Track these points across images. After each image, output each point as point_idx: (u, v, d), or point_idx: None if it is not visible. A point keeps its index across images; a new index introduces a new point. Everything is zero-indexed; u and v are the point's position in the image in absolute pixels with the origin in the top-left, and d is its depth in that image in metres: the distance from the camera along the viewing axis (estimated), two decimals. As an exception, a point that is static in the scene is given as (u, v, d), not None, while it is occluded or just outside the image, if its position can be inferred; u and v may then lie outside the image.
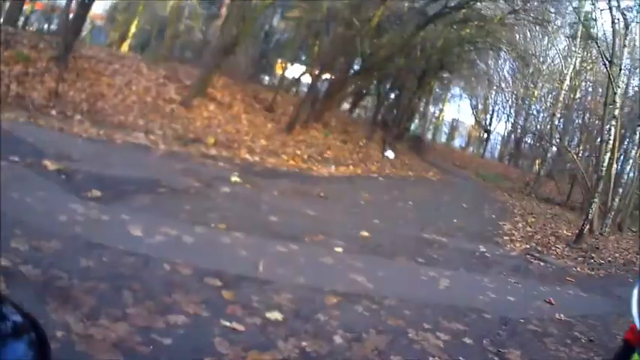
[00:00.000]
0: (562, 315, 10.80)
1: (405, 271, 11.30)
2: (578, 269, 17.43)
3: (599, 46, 23.83)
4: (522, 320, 9.81)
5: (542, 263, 16.56)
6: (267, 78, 37.28)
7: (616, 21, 23.54)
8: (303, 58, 36.24)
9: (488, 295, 10.88)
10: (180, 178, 13.59)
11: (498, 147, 45.91)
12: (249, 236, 10.10)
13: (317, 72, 30.07)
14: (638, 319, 3.56)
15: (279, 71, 36.34)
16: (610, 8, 23.19)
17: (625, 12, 23.54)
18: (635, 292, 3.60)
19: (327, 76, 31.60)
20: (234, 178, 15.25)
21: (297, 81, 35.71)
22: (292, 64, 35.79)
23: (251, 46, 33.91)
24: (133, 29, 33.83)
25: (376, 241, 12.79)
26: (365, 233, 13.10)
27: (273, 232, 11.03)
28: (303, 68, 34.60)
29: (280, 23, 37.38)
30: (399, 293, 9.28)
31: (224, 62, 26.40)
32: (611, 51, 23.21)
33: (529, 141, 43.85)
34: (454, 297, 10.26)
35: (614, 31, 23.62)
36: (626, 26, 23.24)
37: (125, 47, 32.99)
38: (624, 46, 23.59)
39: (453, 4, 30.28)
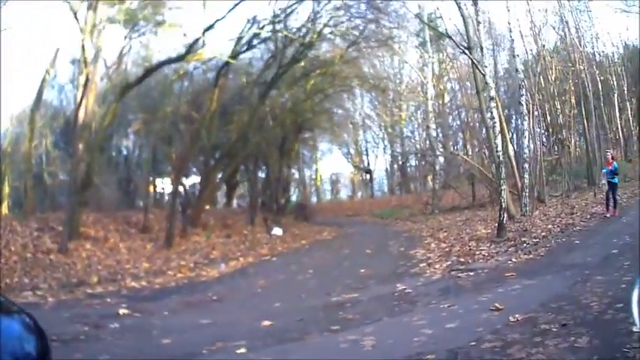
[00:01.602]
0: (517, 315, 10.01)
1: (321, 347, 10.40)
2: (514, 260, 17.09)
3: (451, 38, 23.27)
4: (474, 343, 8.92)
5: (471, 273, 16.11)
6: (140, 201, 36.18)
7: (463, 6, 23.34)
8: (166, 168, 35.21)
9: (424, 332, 10.07)
10: (70, 327, 12.56)
11: (385, 181, 45.49)
12: None
13: (174, 178, 30.01)
14: (639, 319, 3.57)
15: (151, 190, 35.37)
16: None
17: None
18: (635, 293, 3.63)
19: (194, 178, 31.89)
20: (122, 311, 14.60)
21: (169, 193, 34.60)
22: (158, 178, 34.84)
23: (114, 174, 32.89)
24: (6, 190, 32.67)
25: (281, 327, 11.94)
26: (267, 322, 12.25)
27: (168, 356, 10.18)
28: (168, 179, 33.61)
29: (135, 141, 36.35)
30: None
31: (90, 197, 26.26)
32: (466, 39, 22.98)
33: (413, 163, 43.61)
34: (384, 353, 9.45)
35: (463, 16, 23.39)
36: (475, 3, 23.05)
37: (5, 210, 31.83)
38: (478, 23, 23.24)
39: (286, 62, 29.87)
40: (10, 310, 2.28)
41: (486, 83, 22.13)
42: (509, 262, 16.87)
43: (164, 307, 15.30)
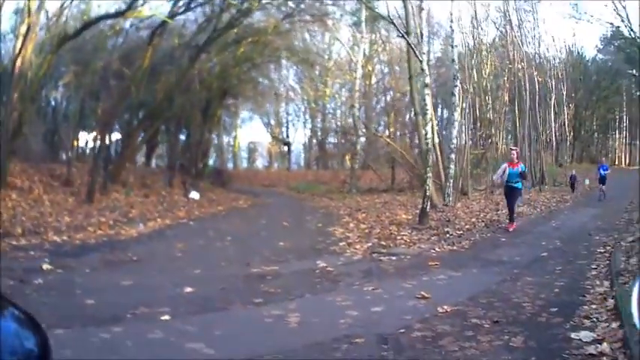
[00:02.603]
0: (445, 306, 10.05)
1: (246, 320, 10.18)
2: (437, 249, 17.20)
3: (392, 22, 23.07)
4: (403, 330, 8.87)
5: (393, 257, 16.01)
6: (63, 153, 35.53)
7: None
8: (92, 123, 34.64)
9: (350, 314, 9.96)
10: None
11: (302, 155, 45.51)
12: (69, 330, 8.81)
13: (100, 133, 29.90)
14: (639, 318, 3.45)
15: (74, 143, 34.75)
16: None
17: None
18: (635, 291, 3.53)
19: (118, 135, 31.71)
20: (46, 266, 14.26)
21: (92, 148, 34.03)
22: (82, 132, 34.25)
23: (41, 124, 32.31)
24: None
25: (203, 295, 11.74)
26: (188, 289, 12.02)
27: (93, 317, 9.76)
28: (93, 134, 33.04)
29: (64, 94, 35.68)
30: (248, 349, 8.24)
31: (18, 147, 25.95)
32: (405, 23, 22.90)
33: (333, 140, 43.68)
34: (311, 332, 9.24)
35: (405, 1, 23.23)
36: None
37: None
38: (421, 9, 23.25)
39: (221, 27, 29.99)
40: (7, 308, 2.22)
41: (422, 70, 22.52)
42: (432, 250, 16.98)
43: (85, 264, 14.96)
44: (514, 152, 21.17)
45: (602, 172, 27.66)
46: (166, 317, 9.73)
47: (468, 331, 8.58)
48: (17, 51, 24.71)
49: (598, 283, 11.49)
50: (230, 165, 43.30)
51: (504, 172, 20.57)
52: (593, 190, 28.81)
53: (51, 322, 8.74)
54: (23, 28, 24.82)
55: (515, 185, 20.55)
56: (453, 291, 11.58)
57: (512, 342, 8.01)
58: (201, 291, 11.88)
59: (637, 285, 3.65)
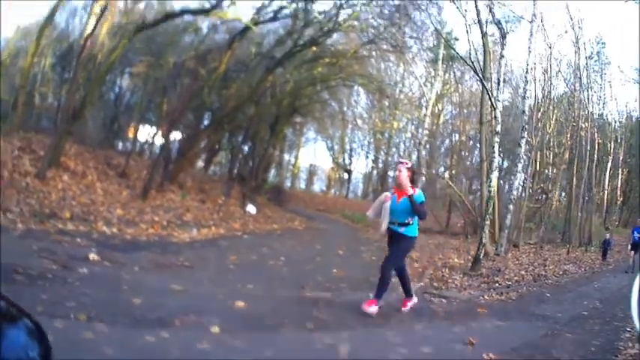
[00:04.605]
0: (491, 354, 9.74)
1: (297, 344, 9.89)
2: (486, 297, 16.89)
3: (472, 64, 22.96)
4: None
5: (444, 300, 15.78)
6: (120, 143, 35.71)
7: (488, 35, 23.13)
8: (153, 118, 34.80)
9: (399, 351, 9.74)
10: (37, 261, 12.15)
11: (361, 185, 45.35)
12: (112, 327, 8.57)
13: (166, 131, 29.48)
14: (638, 315, 3.99)
15: (131, 135, 34.91)
16: (479, 22, 22.75)
17: (500, 22, 23.17)
18: (635, 293, 4.04)
19: (178, 134, 31.23)
20: (92, 256, 13.98)
21: (150, 143, 34.19)
22: (143, 126, 34.41)
23: (101, 109, 32.50)
24: (-6, 101, 32.18)
25: (255, 312, 11.39)
26: (240, 303, 11.65)
27: (139, 318, 9.50)
28: (154, 129, 33.33)
29: (129, 83, 35.93)
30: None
31: (75, 128, 25.46)
32: (482, 67, 22.79)
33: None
34: None
35: (485, 45, 23.19)
36: (503, 36, 22.82)
37: (-12, 121, 31.40)
38: (501, 57, 23.09)
39: (302, 43, 29.84)
40: (12, 315, 2.31)
41: (495, 117, 21.83)
42: (482, 298, 16.78)
43: (135, 261, 14.63)
44: (401, 168, 12.89)
45: (636, 235, 26.73)
46: (216, 329, 9.42)
47: (513, 382, 8.38)
48: (90, 30, 24.80)
49: (630, 345, 11.44)
50: (287, 183, 43.45)
51: (379, 206, 13.04)
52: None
53: (93, 315, 8.58)
54: (97, 8, 24.93)
55: (400, 231, 12.59)
56: (498, 340, 11.51)
57: (552, 399, 7.97)
58: (253, 307, 11.57)
59: (637, 284, 3.70)
